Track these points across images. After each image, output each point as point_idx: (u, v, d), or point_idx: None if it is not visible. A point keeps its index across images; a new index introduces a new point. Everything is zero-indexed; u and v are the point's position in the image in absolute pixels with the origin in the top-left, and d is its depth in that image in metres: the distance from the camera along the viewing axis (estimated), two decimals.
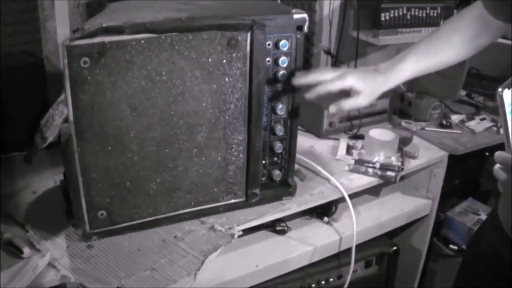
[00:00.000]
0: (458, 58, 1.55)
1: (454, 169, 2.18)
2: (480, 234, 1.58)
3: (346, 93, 1.48)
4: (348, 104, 1.49)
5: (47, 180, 1.72)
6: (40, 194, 1.66)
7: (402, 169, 1.84)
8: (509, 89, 0.98)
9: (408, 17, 2.51)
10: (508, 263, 1.40)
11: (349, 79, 1.47)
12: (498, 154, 1.01)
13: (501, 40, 2.06)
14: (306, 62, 2.48)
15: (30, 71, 1.86)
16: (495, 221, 1.45)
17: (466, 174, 2.48)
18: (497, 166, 1.02)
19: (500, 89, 0.97)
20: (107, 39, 1.26)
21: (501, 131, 1.03)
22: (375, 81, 1.51)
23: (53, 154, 1.75)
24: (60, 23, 1.88)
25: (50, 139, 1.56)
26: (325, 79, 1.47)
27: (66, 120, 1.46)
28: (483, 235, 1.54)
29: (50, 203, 1.62)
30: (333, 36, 2.58)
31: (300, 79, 1.48)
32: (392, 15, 2.46)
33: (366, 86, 1.48)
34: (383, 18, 2.45)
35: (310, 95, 1.47)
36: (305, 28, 1.47)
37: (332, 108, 1.50)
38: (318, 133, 2.06)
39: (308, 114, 2.02)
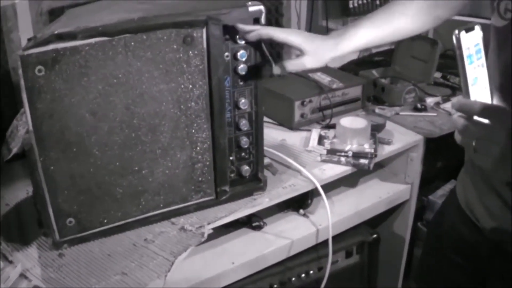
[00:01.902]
0: (415, 27, 1.51)
1: (435, 152, 2.18)
2: (441, 214, 1.59)
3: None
4: (292, 64, 1.45)
5: (20, 191, 1.71)
6: (13, 206, 1.65)
7: (376, 155, 1.82)
8: (467, 32, 0.95)
9: (378, 2, 2.52)
10: (469, 243, 1.41)
11: (295, 36, 1.43)
12: (455, 100, 0.98)
13: (476, 20, 2.06)
14: (278, 56, 2.48)
15: None
16: (454, 200, 1.45)
17: (448, 156, 2.47)
18: (456, 114, 1.00)
19: (456, 31, 0.94)
20: (60, 45, 1.25)
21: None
22: (324, 44, 1.45)
23: (26, 165, 1.73)
24: (24, 34, 1.87)
25: (15, 150, 1.56)
26: (273, 28, 1.44)
27: None
28: (444, 215, 1.55)
29: (22, 214, 1.61)
30: (302, 26, 2.59)
31: (246, 27, 1.42)
32: (360, 2, 2.47)
33: (312, 47, 1.43)
34: (351, 6, 2.46)
35: (251, 35, 1.42)
36: (262, 20, 1.45)
37: (276, 69, 1.46)
38: (290, 125, 2.05)
39: (279, 106, 2.03)
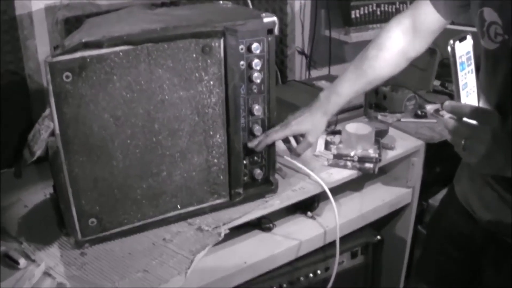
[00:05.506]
0: (393, 72, 1.65)
1: (434, 157, 2.24)
2: (439, 208, 1.67)
3: None
4: (301, 148, 1.68)
5: (37, 194, 1.76)
6: (31, 208, 1.70)
7: (380, 160, 1.89)
8: (460, 42, 1.04)
9: (378, 13, 2.58)
10: (465, 233, 1.51)
11: (291, 127, 1.64)
12: (447, 103, 1.07)
13: (473, 29, 2.13)
14: (282, 64, 2.54)
15: (14, 89, 1.89)
16: (452, 193, 1.54)
17: (446, 161, 2.52)
18: (447, 116, 1.09)
19: (451, 41, 1.03)
20: (87, 53, 1.31)
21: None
22: (315, 118, 1.64)
23: (42, 168, 1.79)
24: (40, 41, 1.92)
25: (38, 153, 1.60)
26: (272, 131, 1.61)
27: (52, 134, 1.51)
28: (442, 209, 1.64)
29: (41, 215, 1.66)
30: (306, 36, 2.64)
31: (254, 142, 1.61)
32: (362, 12, 2.53)
33: (308, 126, 1.64)
34: (353, 16, 2.52)
35: (258, 147, 1.61)
36: (276, 31, 1.52)
37: (292, 156, 1.72)
38: None
39: (286, 114, 2.08)
